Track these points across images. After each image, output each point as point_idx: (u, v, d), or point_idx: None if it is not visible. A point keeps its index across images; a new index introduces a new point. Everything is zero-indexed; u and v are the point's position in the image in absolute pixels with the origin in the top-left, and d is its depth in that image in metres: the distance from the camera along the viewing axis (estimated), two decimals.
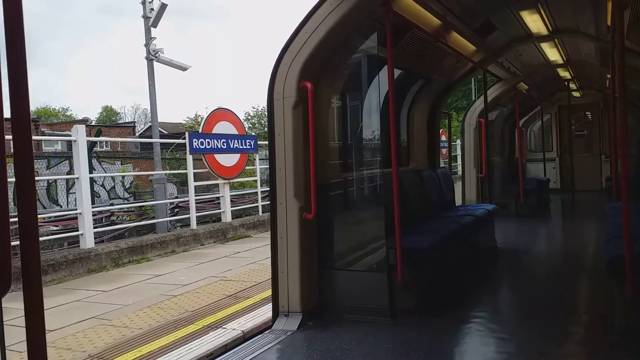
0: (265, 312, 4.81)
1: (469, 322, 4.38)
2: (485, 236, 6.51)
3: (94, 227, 8.74)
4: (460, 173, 10.60)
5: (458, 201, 8.25)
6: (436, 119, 7.30)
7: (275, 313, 4.47)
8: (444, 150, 14.08)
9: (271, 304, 4.54)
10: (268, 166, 4.88)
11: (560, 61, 8.85)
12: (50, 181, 18.41)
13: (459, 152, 9.51)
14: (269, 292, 4.81)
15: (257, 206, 12.14)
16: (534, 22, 6.22)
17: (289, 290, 4.40)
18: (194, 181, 10.39)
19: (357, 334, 4.12)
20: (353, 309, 4.41)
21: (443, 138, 13.48)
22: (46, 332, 4.72)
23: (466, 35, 5.90)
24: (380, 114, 5.05)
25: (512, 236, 8.06)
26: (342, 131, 5.33)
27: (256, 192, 12.38)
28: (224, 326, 4.66)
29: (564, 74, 10.31)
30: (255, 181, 12.54)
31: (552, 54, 8.23)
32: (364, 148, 5.38)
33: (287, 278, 4.40)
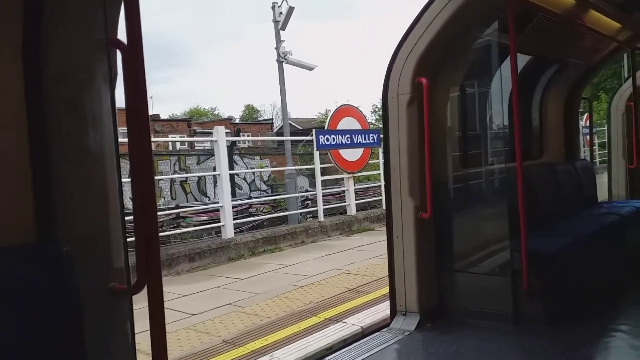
0: (384, 309, 4.85)
1: (607, 335, 3.94)
2: (633, 239, 5.77)
3: (234, 219, 9.58)
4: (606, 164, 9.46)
5: (603, 197, 7.38)
6: (574, 107, 6.61)
7: (393, 311, 4.49)
8: (588, 137, 12.69)
9: (389, 301, 4.57)
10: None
11: None
12: (199, 176, 20.53)
13: (606, 139, 8.47)
14: (388, 289, 4.85)
15: (381, 199, 12.18)
16: None
17: (406, 289, 4.39)
18: (322, 175, 10.82)
19: (477, 339, 3.97)
20: (473, 313, 4.24)
21: (587, 124, 12.17)
22: (188, 315, 5.33)
23: (607, 12, 5.24)
24: (505, 105, 4.74)
25: None
26: (461, 125, 5.11)
27: (380, 186, 12.44)
28: (344, 320, 4.82)
29: None
30: (379, 174, 12.60)
31: None
32: (486, 141, 5.10)
33: (403, 277, 4.39)
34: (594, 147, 12.34)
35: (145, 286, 2.07)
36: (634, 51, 6.62)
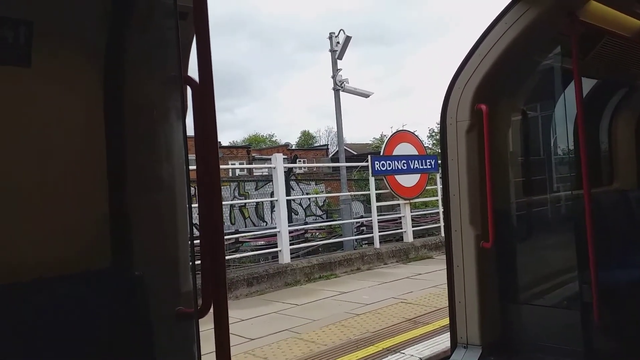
0: (444, 341, 4.73)
1: None
2: None
3: (291, 244, 9.69)
4: None
5: None
6: None
7: (454, 343, 4.35)
8: None
9: (449, 333, 4.44)
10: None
11: None
12: (257, 202, 20.99)
13: None
14: (448, 320, 4.72)
15: (439, 227, 11.94)
16: None
17: (467, 321, 4.25)
18: (377, 201, 10.77)
19: None
20: (539, 348, 4.03)
21: None
22: (247, 340, 5.41)
23: None
24: (570, 129, 4.58)
25: None
26: (523, 151, 4.97)
27: (438, 212, 12.20)
28: (402, 351, 4.74)
29: None
30: (437, 200, 12.37)
31: None
32: (551, 168, 4.92)
33: (464, 308, 4.26)
34: None
35: (211, 309, 2.15)
36: None
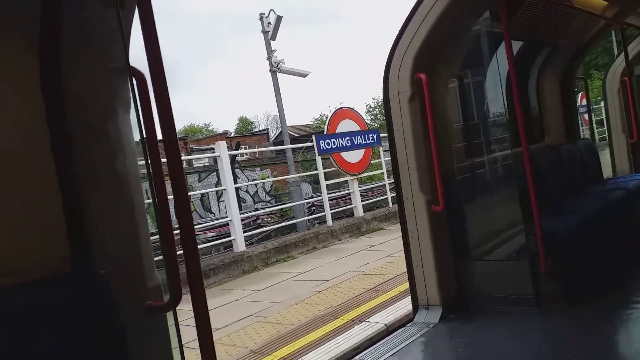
0: (405, 305, 4.90)
1: (626, 308, 3.99)
2: None
3: (243, 231, 9.63)
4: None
5: (608, 173, 7.44)
6: (570, 87, 6.68)
7: (415, 306, 4.53)
8: (586, 116, 12.76)
9: (410, 297, 4.62)
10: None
11: None
12: (202, 193, 20.57)
13: (604, 115, 8.52)
14: (406, 285, 4.90)
15: (387, 198, 12.25)
16: None
17: (426, 283, 4.44)
18: (325, 180, 10.88)
19: (501, 325, 4.02)
20: (495, 300, 4.29)
21: (584, 102, 12.25)
22: (212, 329, 5.38)
23: None
24: (504, 91, 4.82)
25: None
26: (464, 115, 5.18)
27: (384, 185, 12.50)
28: (367, 320, 4.87)
29: None
30: (382, 173, 12.66)
31: None
32: (489, 129, 5.17)
33: (422, 272, 4.44)
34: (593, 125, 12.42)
35: (179, 302, 2.13)
36: (622, 27, 6.70)
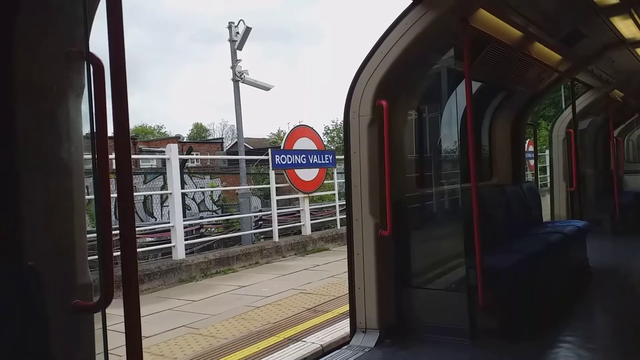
0: (343, 327, 4.88)
1: (556, 347, 4.14)
2: (575, 255, 6.12)
3: (185, 239, 9.34)
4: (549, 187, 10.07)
5: (547, 217, 7.81)
6: (521, 132, 7.01)
7: (353, 329, 4.52)
8: (532, 162, 13.42)
9: (349, 319, 4.60)
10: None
11: None
12: (146, 195, 19.91)
13: (548, 163, 9.02)
14: (347, 307, 4.89)
15: (336, 219, 12.30)
16: (627, 27, 5.81)
17: (366, 306, 4.44)
18: (277, 195, 10.80)
19: (435, 355, 4.07)
20: (432, 329, 4.34)
21: (531, 148, 12.89)
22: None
23: (550, 45, 5.64)
24: (459, 128, 4.98)
25: (606, 255, 7.47)
26: (419, 147, 5.31)
27: (334, 206, 12.56)
28: (303, 339, 4.80)
29: None
30: (334, 195, 12.74)
31: None
32: (441, 163, 5.31)
33: (364, 294, 4.44)
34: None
35: (109, 304, 2.01)
36: (573, 82, 7.13)
